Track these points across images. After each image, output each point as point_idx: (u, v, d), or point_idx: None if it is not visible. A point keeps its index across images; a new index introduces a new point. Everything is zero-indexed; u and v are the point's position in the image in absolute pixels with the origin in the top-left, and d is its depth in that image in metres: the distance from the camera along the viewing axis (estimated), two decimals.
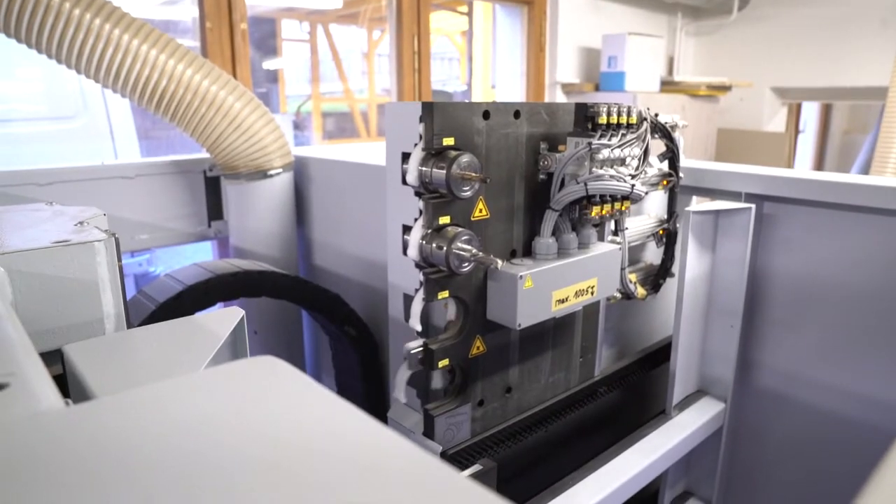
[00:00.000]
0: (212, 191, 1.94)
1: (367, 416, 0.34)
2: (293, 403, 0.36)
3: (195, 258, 1.70)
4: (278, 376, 0.39)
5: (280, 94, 6.59)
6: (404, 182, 1.01)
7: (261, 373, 0.40)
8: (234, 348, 0.70)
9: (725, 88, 4.39)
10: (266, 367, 0.40)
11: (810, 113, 6.96)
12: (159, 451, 0.31)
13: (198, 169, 1.91)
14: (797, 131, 6.02)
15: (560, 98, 4.20)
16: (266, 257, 1.85)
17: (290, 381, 0.38)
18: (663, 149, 1.37)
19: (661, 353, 1.54)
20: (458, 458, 1.11)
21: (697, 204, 1.51)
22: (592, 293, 1.16)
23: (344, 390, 1.81)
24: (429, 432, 1.09)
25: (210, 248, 2.19)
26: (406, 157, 1.00)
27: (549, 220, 1.12)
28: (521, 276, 1.02)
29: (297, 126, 6.49)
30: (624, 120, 1.13)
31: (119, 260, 0.72)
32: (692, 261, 1.38)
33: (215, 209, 1.95)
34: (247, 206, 1.84)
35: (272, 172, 1.80)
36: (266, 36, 6.48)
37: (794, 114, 5.62)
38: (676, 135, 1.35)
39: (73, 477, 0.29)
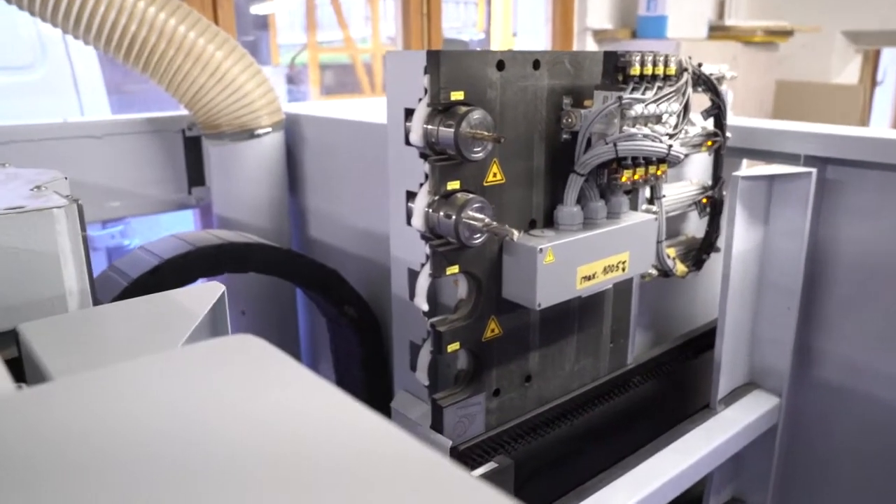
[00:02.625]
0: (192, 153, 1.95)
1: (355, 401, 0.35)
2: (270, 386, 0.36)
3: (174, 229, 1.71)
4: (255, 356, 0.40)
5: (271, 43, 6.56)
6: (407, 142, 1.02)
7: (236, 352, 0.40)
8: (214, 328, 0.71)
9: (786, 34, 4.31)
10: (242, 346, 0.41)
11: (890, 61, 6.81)
12: (120, 437, 0.32)
13: (175, 128, 1.91)
14: (874, 83, 5.90)
15: (591, 47, 4.15)
16: (254, 228, 1.86)
17: (267, 362, 0.38)
18: (709, 104, 1.36)
19: (705, 339, 1.54)
20: (470, 455, 1.13)
21: (747, 168, 1.49)
22: (624, 269, 1.16)
23: (344, 377, 1.83)
24: (437, 425, 1.10)
25: (191, 217, 2.21)
26: (409, 113, 1.01)
27: (574, 185, 1.11)
28: (540, 250, 1.03)
29: (292, 80, 6.47)
30: (661, 70, 1.12)
31: (83, 229, 0.73)
32: (741, 233, 1.38)
33: (196, 174, 1.97)
34: (231, 170, 1.85)
35: (260, 132, 1.80)
36: None
37: (871, 62, 5.51)
38: (723, 88, 1.34)
39: (22, 469, 0.30)
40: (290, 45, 6.82)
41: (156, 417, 0.33)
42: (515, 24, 4.48)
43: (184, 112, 1.87)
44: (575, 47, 4.14)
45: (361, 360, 1.74)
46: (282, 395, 0.35)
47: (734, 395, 1.50)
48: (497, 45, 5.33)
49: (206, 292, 0.71)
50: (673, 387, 1.48)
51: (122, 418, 0.33)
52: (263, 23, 6.46)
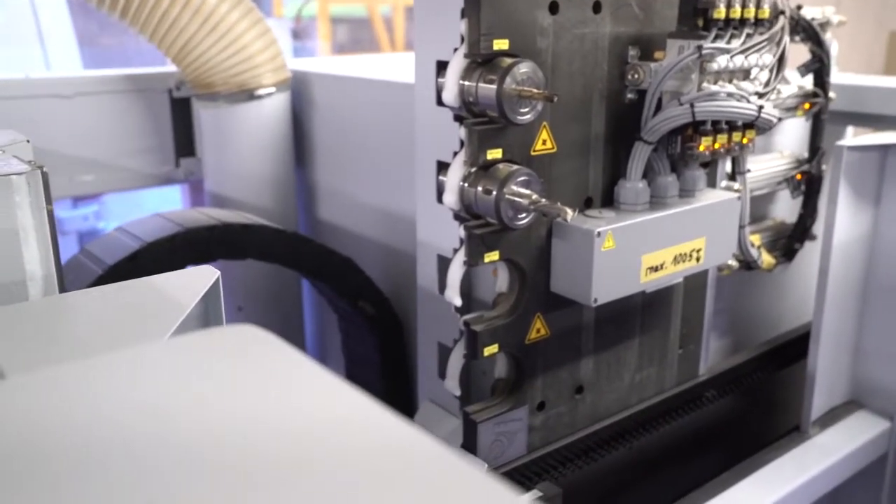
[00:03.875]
0: (180, 117, 1.95)
1: (374, 401, 0.34)
2: (277, 384, 0.36)
3: (159, 208, 1.72)
4: (259, 349, 0.39)
5: None
6: (440, 102, 1.01)
7: (236, 345, 0.40)
8: (206, 320, 0.71)
9: None
10: (243, 338, 0.40)
11: None
12: (97, 440, 0.31)
13: (161, 87, 1.92)
14: None
15: None
16: (253, 207, 1.86)
17: (272, 355, 0.37)
18: (807, 57, 1.34)
19: (795, 347, 1.53)
20: (508, 481, 1.12)
21: (854, 137, 1.47)
22: (698, 259, 1.16)
23: (357, 384, 1.83)
24: (469, 444, 1.10)
25: (178, 194, 2.22)
26: (442, 67, 1.00)
27: (640, 156, 1.11)
28: (598, 233, 1.02)
29: (297, 35, 6.52)
30: (751, 14, 1.11)
31: (49, 203, 0.73)
32: (844, 218, 1.35)
33: (185, 142, 1.97)
34: (227, 139, 1.85)
35: (262, 92, 1.80)
36: None
37: None
38: (828, 37, 1.32)
39: None
40: None
41: (141, 418, 0.32)
42: None
43: (171, 68, 1.87)
44: None
45: (379, 364, 1.74)
46: (288, 393, 0.34)
47: (832, 417, 1.48)
48: None
49: (196, 278, 0.71)
50: (755, 404, 1.47)
51: (99, 419, 0.32)
52: None
